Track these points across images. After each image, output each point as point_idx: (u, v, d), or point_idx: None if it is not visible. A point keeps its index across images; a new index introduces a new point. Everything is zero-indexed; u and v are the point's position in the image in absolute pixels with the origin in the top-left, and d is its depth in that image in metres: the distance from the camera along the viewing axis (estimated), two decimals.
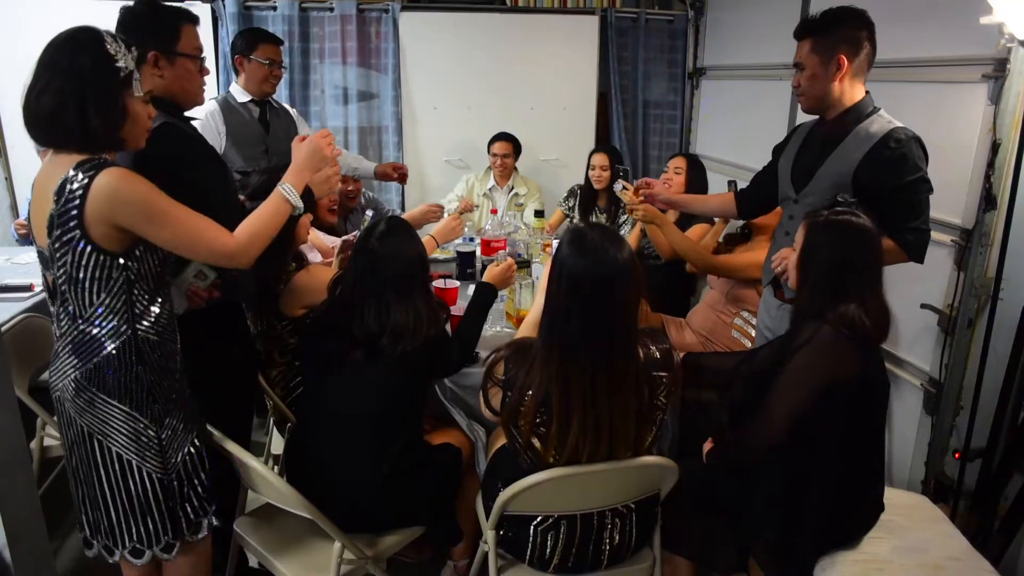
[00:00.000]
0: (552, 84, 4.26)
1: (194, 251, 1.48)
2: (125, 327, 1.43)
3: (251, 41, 2.88)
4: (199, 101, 1.88)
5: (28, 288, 2.56)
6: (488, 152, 3.74)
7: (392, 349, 1.70)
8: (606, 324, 1.48)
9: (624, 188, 2.68)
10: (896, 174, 1.81)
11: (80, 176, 1.34)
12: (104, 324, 1.42)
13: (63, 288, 1.40)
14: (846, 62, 1.84)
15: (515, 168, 3.78)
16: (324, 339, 1.82)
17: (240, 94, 2.92)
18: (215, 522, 1.61)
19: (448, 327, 2.05)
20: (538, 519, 1.62)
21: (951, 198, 2.26)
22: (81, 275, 1.37)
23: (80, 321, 1.41)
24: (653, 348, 1.57)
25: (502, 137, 3.71)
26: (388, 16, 4.03)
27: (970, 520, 2.19)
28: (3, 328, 2.11)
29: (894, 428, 2.60)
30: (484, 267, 2.84)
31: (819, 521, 1.64)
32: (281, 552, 1.76)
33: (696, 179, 3.05)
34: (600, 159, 3.42)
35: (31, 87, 1.39)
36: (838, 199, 1.67)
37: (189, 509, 1.55)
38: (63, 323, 1.44)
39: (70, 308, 1.41)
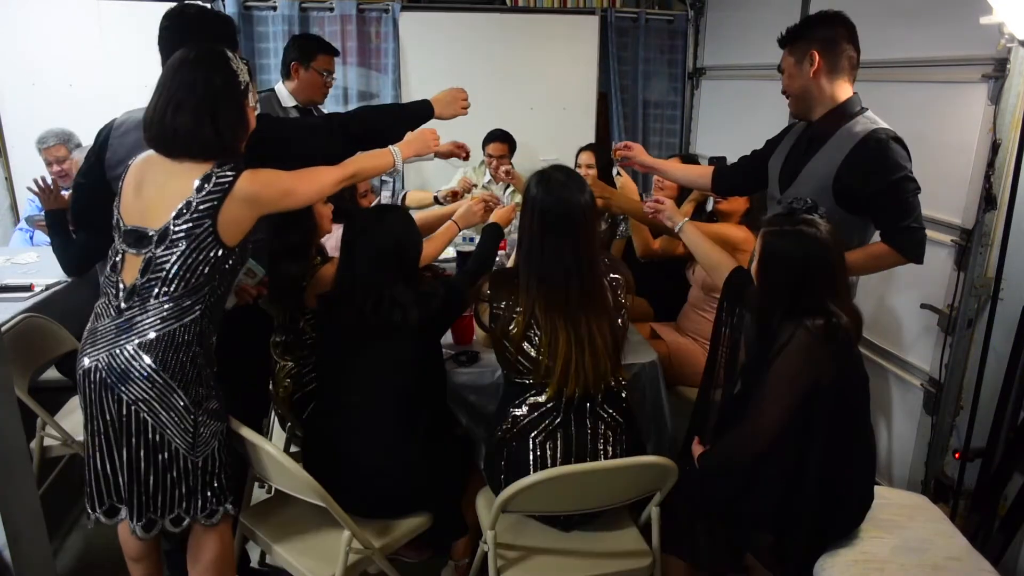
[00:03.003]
0: (552, 84, 4.26)
1: (324, 194, 1.75)
2: (199, 307, 1.54)
3: (310, 50, 2.77)
4: None
5: (28, 288, 2.56)
6: (483, 151, 3.74)
7: (404, 321, 1.76)
8: (572, 250, 1.67)
9: (618, 174, 2.70)
10: (878, 175, 1.79)
11: (223, 175, 1.50)
12: (184, 302, 1.52)
13: (159, 267, 1.50)
14: (818, 57, 1.86)
15: (510, 164, 3.77)
16: (337, 321, 1.86)
17: (287, 98, 2.82)
18: (231, 510, 1.66)
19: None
20: (536, 431, 1.71)
21: (951, 198, 2.27)
22: (190, 258, 1.50)
23: (162, 296, 1.51)
24: (607, 259, 1.85)
25: (497, 137, 3.68)
26: (388, 16, 4.03)
27: (970, 520, 2.19)
28: (3, 328, 2.11)
29: (894, 428, 2.61)
30: None
31: (812, 519, 1.64)
32: (288, 543, 1.77)
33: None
34: (586, 157, 3.40)
35: (162, 105, 1.51)
36: (793, 205, 1.65)
37: (209, 493, 1.61)
38: (137, 297, 1.51)
39: (157, 285, 1.51)
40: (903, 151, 1.81)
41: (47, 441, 2.23)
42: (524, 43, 4.18)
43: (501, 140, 3.68)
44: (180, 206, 1.49)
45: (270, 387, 2.24)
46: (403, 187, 4.11)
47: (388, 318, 1.76)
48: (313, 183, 1.67)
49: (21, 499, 1.36)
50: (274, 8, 3.90)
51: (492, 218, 2.27)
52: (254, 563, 2.16)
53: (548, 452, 1.70)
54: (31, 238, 3.42)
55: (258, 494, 1.88)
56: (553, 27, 4.23)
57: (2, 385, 1.31)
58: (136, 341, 1.49)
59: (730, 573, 1.80)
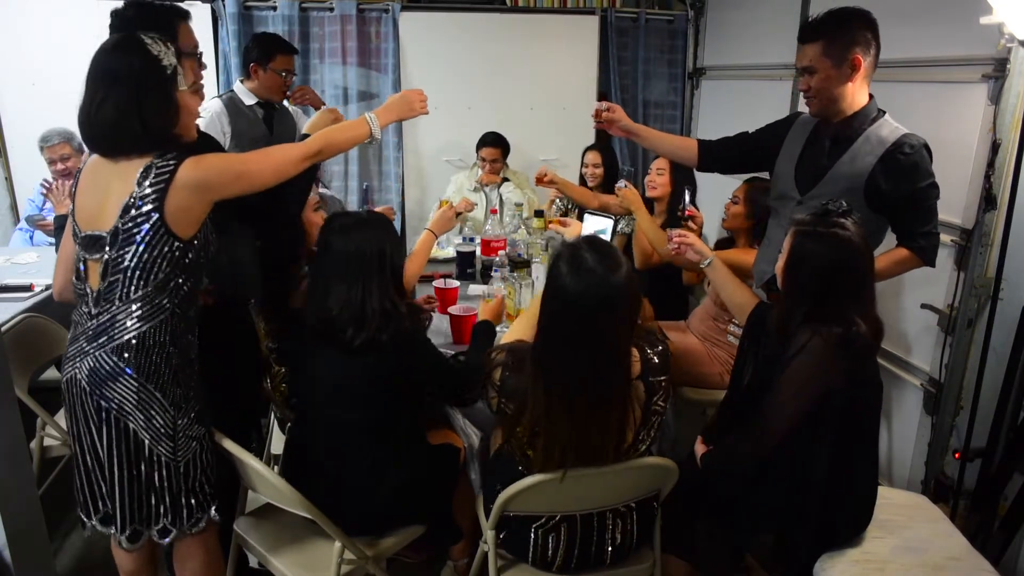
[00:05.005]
0: (552, 84, 4.26)
1: (286, 174, 1.62)
2: (168, 306, 1.50)
3: (268, 50, 2.84)
4: (200, 97, 1.88)
5: (28, 288, 2.56)
6: (476, 154, 3.72)
7: (356, 336, 1.64)
8: (595, 347, 1.48)
9: (625, 186, 2.69)
10: (910, 180, 1.82)
11: (164, 165, 1.45)
12: (151, 302, 1.48)
13: (116, 268, 1.46)
14: (862, 62, 1.83)
15: (504, 164, 3.76)
16: (296, 335, 1.79)
17: (246, 96, 2.89)
18: (216, 517, 1.63)
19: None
20: (539, 520, 1.62)
21: (951, 198, 2.26)
22: (145, 255, 1.45)
23: (127, 298, 1.47)
24: (651, 353, 1.58)
25: (490, 142, 3.66)
26: (388, 16, 4.03)
27: (970, 520, 2.19)
28: (3, 328, 2.11)
29: (894, 428, 2.60)
30: (484, 267, 2.84)
31: (814, 522, 1.64)
32: (281, 552, 1.76)
33: (680, 179, 3.03)
34: (593, 157, 3.42)
35: (88, 102, 1.47)
36: (828, 207, 1.63)
37: (193, 501, 1.57)
38: (104, 301, 1.48)
39: (119, 287, 1.46)
40: (930, 158, 1.84)
41: (47, 441, 2.23)
42: (524, 43, 4.18)
43: (494, 145, 3.66)
44: (125, 203, 1.44)
45: (268, 387, 2.23)
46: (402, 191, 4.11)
47: (361, 329, 1.63)
48: (271, 163, 1.58)
49: (21, 499, 1.36)
50: (274, 8, 3.90)
51: (481, 314, 2.12)
52: (253, 563, 2.16)
53: (551, 545, 1.63)
54: (31, 238, 3.42)
55: (256, 496, 1.87)
56: (553, 27, 4.23)
57: (2, 385, 1.31)
58: (109, 346, 1.46)
59: (730, 573, 1.80)
